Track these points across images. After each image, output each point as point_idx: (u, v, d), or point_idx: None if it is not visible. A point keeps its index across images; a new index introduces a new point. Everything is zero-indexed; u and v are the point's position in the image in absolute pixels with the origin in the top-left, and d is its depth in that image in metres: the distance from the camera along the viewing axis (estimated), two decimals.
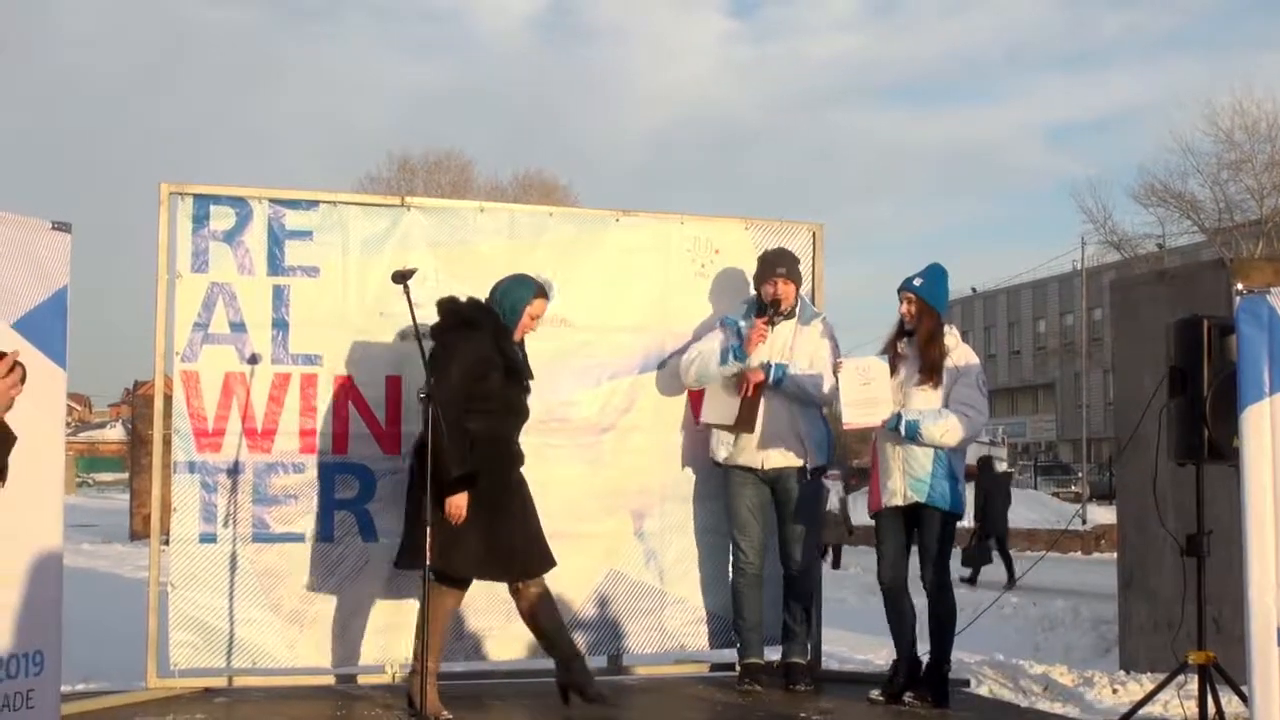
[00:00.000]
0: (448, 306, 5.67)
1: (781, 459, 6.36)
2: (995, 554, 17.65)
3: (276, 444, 6.14)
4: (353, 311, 6.29)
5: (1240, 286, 5.12)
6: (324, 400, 6.21)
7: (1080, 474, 40.88)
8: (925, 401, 6.03)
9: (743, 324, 6.41)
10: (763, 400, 6.33)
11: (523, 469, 5.69)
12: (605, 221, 6.77)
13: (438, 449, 5.30)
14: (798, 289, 6.50)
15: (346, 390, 6.24)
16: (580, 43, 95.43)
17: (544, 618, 5.68)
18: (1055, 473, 48.12)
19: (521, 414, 5.73)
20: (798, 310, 6.48)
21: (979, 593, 14.03)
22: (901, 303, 6.17)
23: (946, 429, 5.98)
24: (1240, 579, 4.97)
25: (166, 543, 6.10)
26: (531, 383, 5.81)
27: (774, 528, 6.48)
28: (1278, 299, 5.01)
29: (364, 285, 6.30)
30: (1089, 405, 44.68)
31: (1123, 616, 8.79)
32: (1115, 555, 9.25)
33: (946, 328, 6.16)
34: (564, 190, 48.95)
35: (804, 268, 7.00)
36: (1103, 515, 26.51)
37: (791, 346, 6.39)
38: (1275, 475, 4.93)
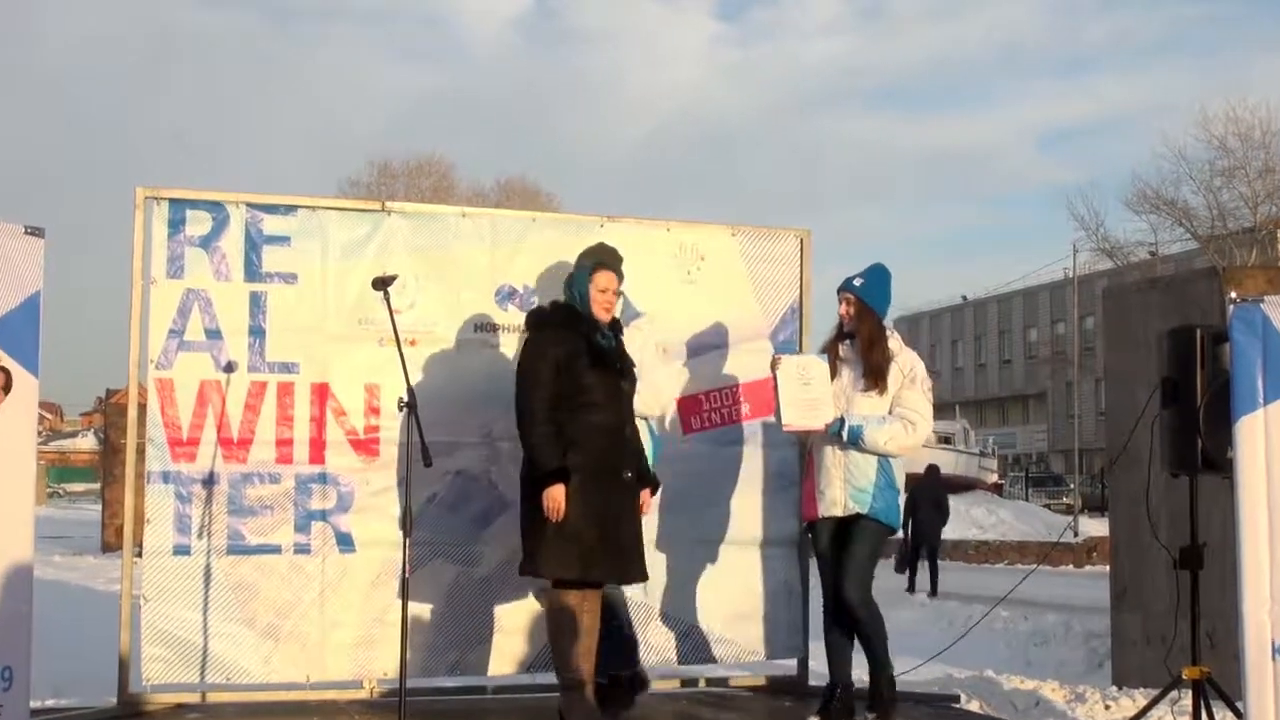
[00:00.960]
0: (530, 314, 5.87)
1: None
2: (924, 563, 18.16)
3: (252, 454, 6.12)
4: (331, 319, 6.27)
5: (1234, 295, 5.15)
6: (301, 409, 6.19)
7: (1072, 485, 41.09)
8: (871, 408, 5.92)
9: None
10: None
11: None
12: (589, 227, 6.76)
13: (527, 449, 5.48)
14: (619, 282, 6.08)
15: (324, 399, 6.22)
16: (565, 46, 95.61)
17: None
18: (1046, 484, 48.31)
19: (622, 402, 5.72)
20: (619, 309, 6.06)
21: (968, 606, 14.05)
22: (840, 303, 6.06)
23: (890, 436, 5.88)
24: (1234, 592, 4.99)
25: (139, 555, 6.06)
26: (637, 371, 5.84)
27: None
28: (1271, 307, 5.04)
29: (343, 292, 6.28)
30: (1081, 415, 44.83)
31: (1115, 631, 8.81)
32: (1108, 568, 9.27)
33: (890, 331, 6.07)
34: (547, 196, 49.10)
35: (792, 272, 7.03)
36: (1095, 527, 26.63)
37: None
38: (1270, 487, 4.96)
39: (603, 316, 5.75)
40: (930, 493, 18.27)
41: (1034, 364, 63.37)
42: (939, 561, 18.33)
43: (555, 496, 5.44)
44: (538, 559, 5.55)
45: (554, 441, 5.49)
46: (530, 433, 5.52)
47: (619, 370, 5.74)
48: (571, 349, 5.59)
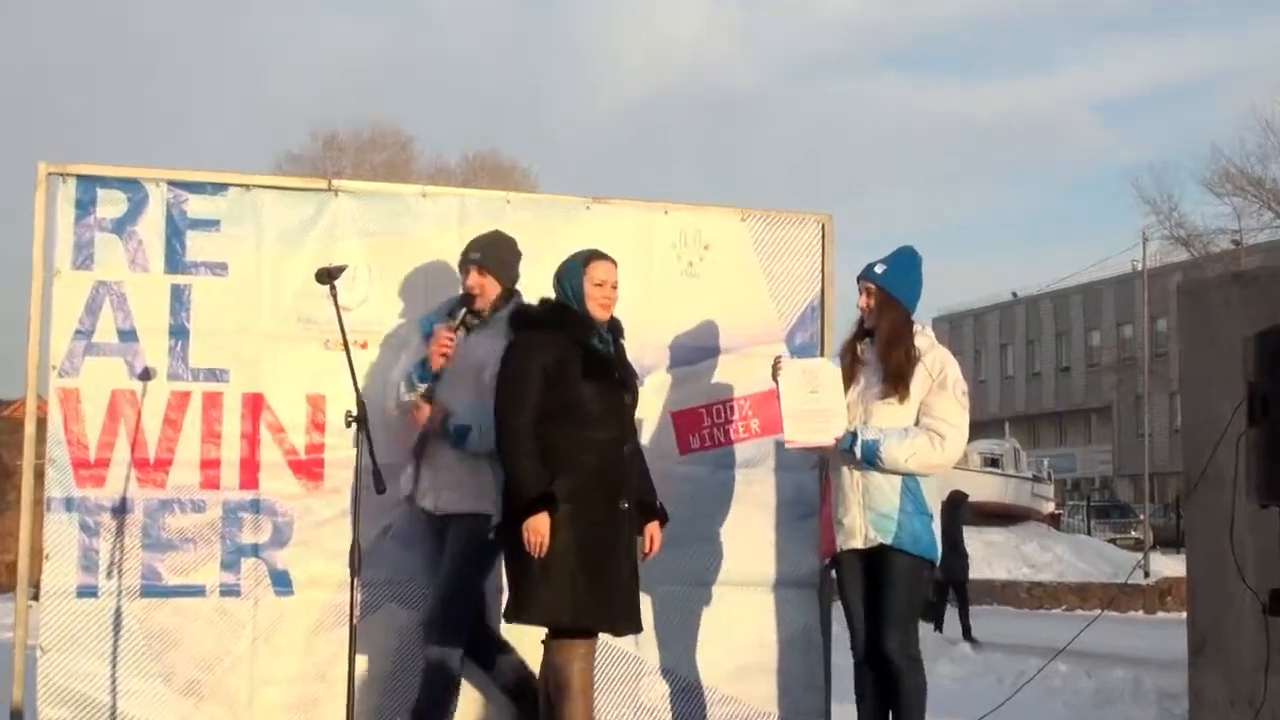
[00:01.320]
0: (514, 314, 5.86)
1: (455, 502, 5.99)
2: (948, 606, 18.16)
3: (172, 477, 6.12)
4: (267, 317, 6.28)
5: None
6: (231, 424, 6.19)
7: (1142, 516, 41.07)
8: (891, 419, 5.92)
9: (438, 328, 6.06)
10: (436, 438, 6.01)
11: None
12: (573, 210, 6.78)
13: (508, 472, 5.51)
14: (504, 282, 6.09)
15: (258, 412, 6.23)
16: None
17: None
18: (1112, 515, 48.40)
19: (622, 418, 5.75)
20: (508, 315, 6.03)
21: (1019, 659, 14.06)
22: (860, 294, 6.07)
23: (913, 451, 5.86)
24: None
25: (36, 597, 6.05)
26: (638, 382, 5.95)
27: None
28: None
29: (281, 285, 6.29)
30: (1152, 433, 44.89)
31: (1194, 689, 8.82)
32: (1184, 615, 9.28)
33: (917, 327, 6.08)
34: (522, 173, 49.13)
35: (811, 264, 7.05)
36: (1169, 566, 26.66)
37: (483, 364, 5.93)
38: None
39: (600, 315, 5.77)
40: (945, 524, 18.16)
41: (1097, 372, 63.49)
42: (969, 603, 18.28)
43: (538, 529, 5.45)
44: (524, 603, 5.55)
45: (540, 464, 5.50)
46: (512, 453, 5.53)
47: (619, 380, 5.76)
48: (563, 355, 5.60)
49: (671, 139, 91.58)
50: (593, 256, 5.83)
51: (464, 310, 6.06)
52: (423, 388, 6.01)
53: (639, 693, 6.66)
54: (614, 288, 5.82)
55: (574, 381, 5.59)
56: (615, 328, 5.87)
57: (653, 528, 5.90)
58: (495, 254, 6.14)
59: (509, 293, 6.14)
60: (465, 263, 6.15)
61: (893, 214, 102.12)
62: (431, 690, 6.01)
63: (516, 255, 6.21)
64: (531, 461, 5.50)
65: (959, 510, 18.62)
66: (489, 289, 6.09)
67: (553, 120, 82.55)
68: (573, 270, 5.80)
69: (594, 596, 5.54)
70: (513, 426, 5.54)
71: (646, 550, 5.92)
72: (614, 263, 5.86)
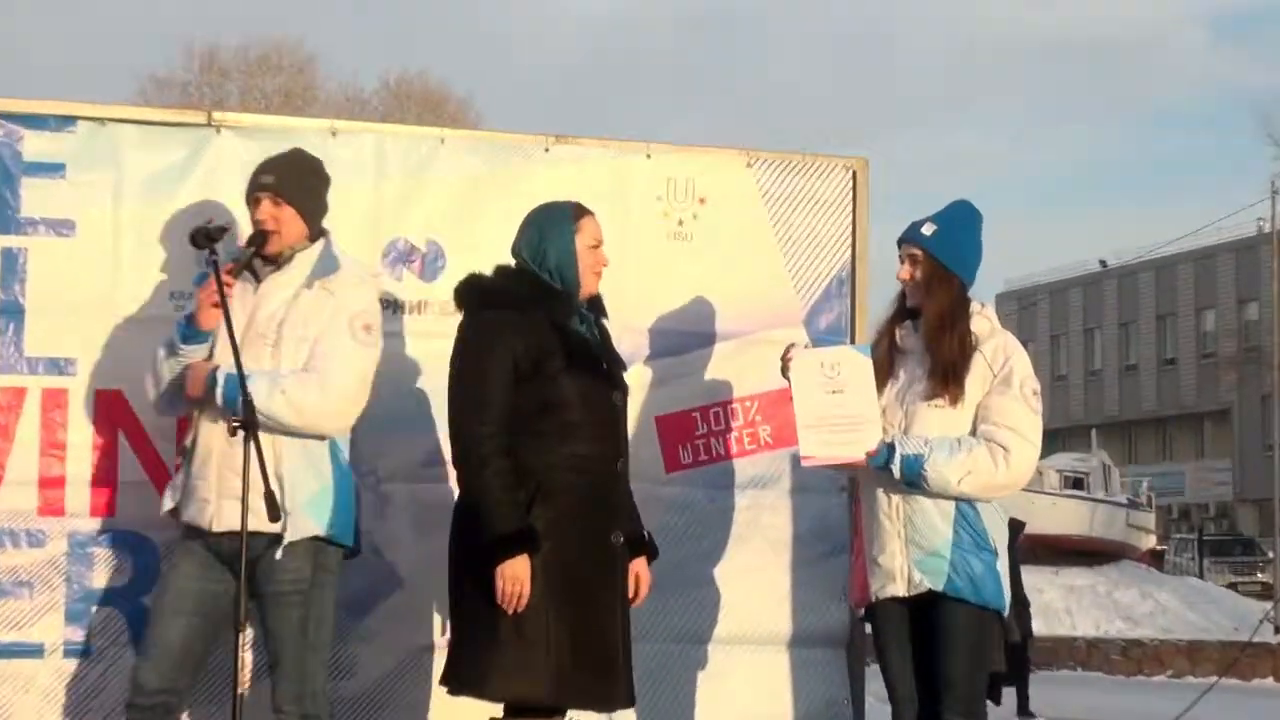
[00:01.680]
0: (466, 288, 5.77)
1: (239, 517, 5.36)
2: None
3: (1, 501, 6.13)
4: (128, 291, 6.30)
5: None
6: (80, 431, 6.21)
7: (1270, 554, 41.29)
8: (941, 426, 5.88)
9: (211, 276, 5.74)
10: (213, 419, 5.57)
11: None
12: (528, 152, 6.81)
13: (470, 497, 5.51)
14: (308, 217, 5.82)
15: (115, 415, 6.24)
16: None
17: None
18: (1232, 551, 48.65)
19: (617, 423, 5.76)
20: (315, 258, 5.80)
21: None
22: (902, 263, 6.04)
23: (969, 469, 5.81)
24: None
25: None
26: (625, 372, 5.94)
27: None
28: None
29: (147, 250, 6.31)
30: None
31: None
32: None
33: (975, 306, 6.06)
34: (460, 103, 49.13)
35: (839, 223, 7.09)
36: None
37: (282, 320, 5.66)
38: None
39: (594, 287, 5.78)
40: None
41: (1211, 366, 63.66)
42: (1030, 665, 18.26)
43: (516, 575, 5.40)
44: (488, 671, 5.50)
45: (514, 489, 5.48)
46: (475, 472, 5.50)
47: (606, 374, 5.76)
48: (536, 341, 5.57)
49: (658, 62, 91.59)
50: (580, 210, 5.80)
51: (250, 250, 5.76)
52: (190, 351, 5.66)
53: None
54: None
55: (554, 376, 5.56)
56: (595, 304, 5.86)
57: (639, 565, 5.86)
58: (294, 177, 5.87)
59: (314, 230, 5.86)
60: (254, 189, 5.82)
61: (945, 159, 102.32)
62: None
63: (323, 180, 5.96)
64: (503, 485, 5.45)
65: (1016, 544, 18.55)
66: (288, 224, 5.77)
67: (502, 37, 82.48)
68: (558, 227, 5.72)
69: (577, 664, 5.51)
70: (475, 438, 5.50)
71: (631, 595, 5.89)
72: (594, 216, 5.85)
